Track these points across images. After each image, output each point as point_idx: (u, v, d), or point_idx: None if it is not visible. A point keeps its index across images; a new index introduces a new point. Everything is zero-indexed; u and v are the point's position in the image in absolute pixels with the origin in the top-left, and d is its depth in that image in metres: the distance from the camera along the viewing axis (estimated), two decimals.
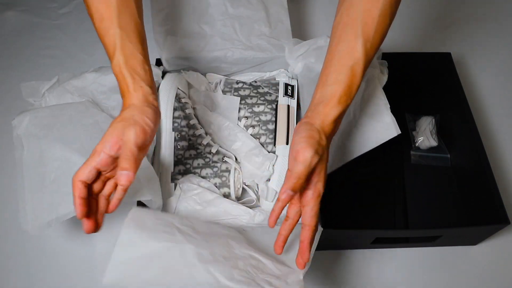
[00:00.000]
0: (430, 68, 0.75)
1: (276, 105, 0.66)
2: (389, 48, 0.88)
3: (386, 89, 0.74)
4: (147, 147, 0.44)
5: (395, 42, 0.89)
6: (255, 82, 0.70)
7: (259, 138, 0.63)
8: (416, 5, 0.95)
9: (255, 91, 0.68)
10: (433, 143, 0.71)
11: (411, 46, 0.88)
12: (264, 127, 0.64)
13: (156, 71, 0.67)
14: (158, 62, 0.70)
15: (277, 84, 0.69)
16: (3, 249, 0.63)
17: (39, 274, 0.61)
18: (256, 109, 0.66)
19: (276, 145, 0.62)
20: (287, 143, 0.61)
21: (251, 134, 0.64)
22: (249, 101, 0.66)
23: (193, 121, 0.64)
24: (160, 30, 0.68)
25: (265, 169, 0.60)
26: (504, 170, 0.71)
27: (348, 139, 0.58)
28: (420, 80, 0.77)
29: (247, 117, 0.65)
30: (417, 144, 0.72)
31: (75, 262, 0.62)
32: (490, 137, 0.74)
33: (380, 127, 0.59)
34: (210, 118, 0.66)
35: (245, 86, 0.69)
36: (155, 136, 0.61)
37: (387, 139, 0.59)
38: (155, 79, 0.66)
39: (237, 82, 0.69)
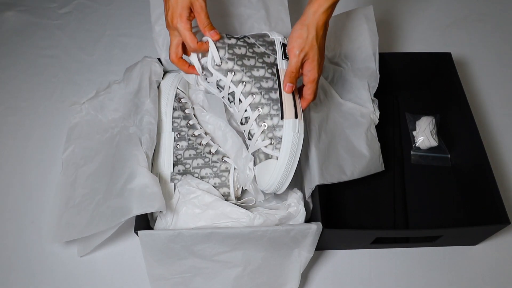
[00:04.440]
0: (430, 68, 0.75)
1: (277, 70, 0.57)
2: (389, 48, 0.88)
3: (387, 89, 0.75)
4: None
5: (395, 42, 0.89)
6: (248, 38, 0.60)
7: (261, 109, 0.55)
8: (416, 5, 0.95)
9: (250, 50, 0.59)
10: (433, 143, 0.71)
11: (412, 46, 0.88)
12: (266, 96, 0.55)
13: (159, 70, 0.67)
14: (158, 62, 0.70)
15: (273, 43, 0.60)
16: (8, 255, 0.63)
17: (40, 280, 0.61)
18: (255, 73, 0.56)
19: (284, 118, 0.54)
20: (296, 117, 0.54)
21: (250, 104, 0.55)
22: (246, 62, 0.57)
23: (193, 121, 0.64)
24: (160, 30, 0.68)
25: (247, 171, 0.58)
26: (504, 170, 0.71)
27: (343, 164, 0.61)
28: (420, 80, 0.77)
29: (245, 83, 0.55)
30: (417, 144, 0.72)
31: (75, 267, 0.62)
32: (490, 137, 0.74)
33: (369, 159, 0.63)
34: (204, 118, 0.66)
35: (239, 43, 0.59)
36: (155, 136, 0.61)
37: (372, 173, 0.63)
38: (156, 78, 0.67)
39: (228, 37, 0.59)
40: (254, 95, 0.55)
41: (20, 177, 0.70)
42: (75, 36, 0.90)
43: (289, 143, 0.53)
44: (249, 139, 0.56)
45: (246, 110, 0.55)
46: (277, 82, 0.56)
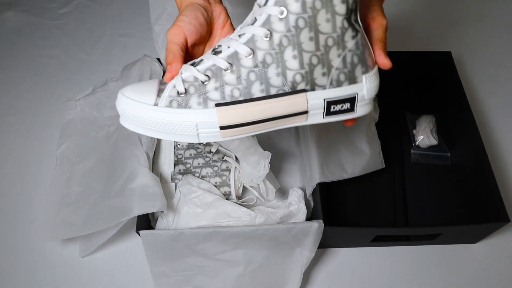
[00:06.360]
0: (431, 67, 0.75)
1: None
2: (389, 47, 0.88)
3: (387, 88, 0.75)
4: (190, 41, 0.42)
5: (395, 41, 0.89)
6: None
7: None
8: (416, 4, 0.95)
9: None
10: (433, 141, 0.71)
11: (412, 45, 0.88)
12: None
13: (158, 70, 0.68)
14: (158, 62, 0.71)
15: None
16: (8, 255, 0.63)
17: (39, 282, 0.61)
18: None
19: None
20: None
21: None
22: None
23: None
24: (160, 30, 0.68)
25: (261, 168, 0.59)
26: (504, 168, 0.71)
27: (344, 161, 0.62)
28: (420, 79, 0.77)
29: None
30: (417, 143, 0.72)
31: (76, 268, 0.62)
32: (490, 136, 0.75)
33: (369, 157, 0.63)
34: None
35: None
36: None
37: (373, 170, 0.63)
38: (155, 78, 0.67)
39: None
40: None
41: (20, 177, 0.70)
42: (75, 36, 0.90)
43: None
44: (214, 52, 0.39)
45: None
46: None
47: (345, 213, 0.66)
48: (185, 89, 0.37)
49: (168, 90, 0.38)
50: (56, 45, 0.88)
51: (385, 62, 0.42)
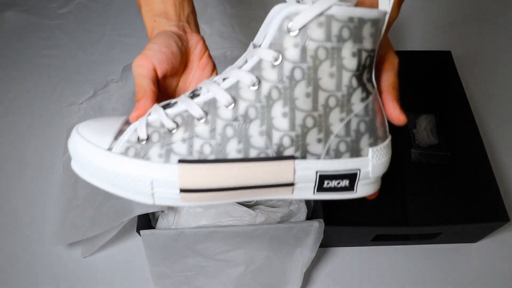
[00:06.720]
0: (431, 66, 0.75)
1: None
2: None
3: None
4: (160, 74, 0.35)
5: (395, 40, 0.89)
6: None
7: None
8: (416, 4, 0.95)
9: None
10: (433, 141, 0.71)
11: (412, 44, 0.88)
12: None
13: None
14: None
15: None
16: (9, 255, 0.63)
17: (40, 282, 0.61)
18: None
19: None
20: None
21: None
22: None
23: None
24: None
25: None
26: (504, 167, 0.71)
27: None
28: (420, 78, 0.77)
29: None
30: (417, 142, 0.72)
31: (77, 268, 0.62)
32: (489, 135, 0.75)
33: None
34: None
35: None
36: None
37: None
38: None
39: None
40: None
41: (20, 177, 0.70)
42: (75, 36, 0.90)
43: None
44: (192, 95, 0.32)
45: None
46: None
47: (345, 212, 0.66)
48: (148, 136, 0.30)
49: (128, 134, 0.31)
50: (56, 45, 0.88)
51: (400, 118, 0.34)
